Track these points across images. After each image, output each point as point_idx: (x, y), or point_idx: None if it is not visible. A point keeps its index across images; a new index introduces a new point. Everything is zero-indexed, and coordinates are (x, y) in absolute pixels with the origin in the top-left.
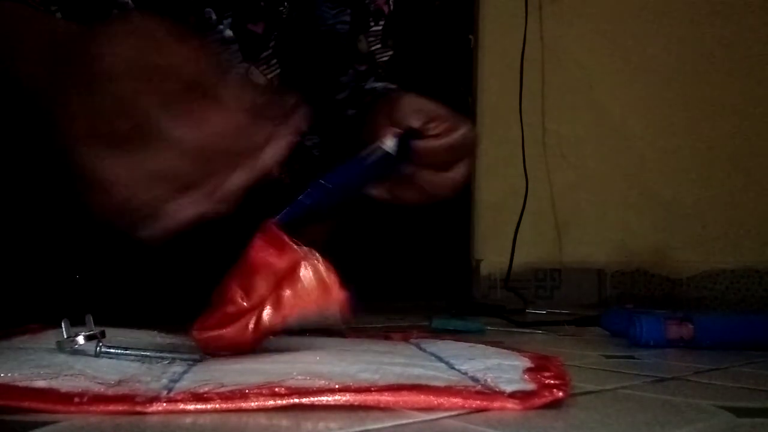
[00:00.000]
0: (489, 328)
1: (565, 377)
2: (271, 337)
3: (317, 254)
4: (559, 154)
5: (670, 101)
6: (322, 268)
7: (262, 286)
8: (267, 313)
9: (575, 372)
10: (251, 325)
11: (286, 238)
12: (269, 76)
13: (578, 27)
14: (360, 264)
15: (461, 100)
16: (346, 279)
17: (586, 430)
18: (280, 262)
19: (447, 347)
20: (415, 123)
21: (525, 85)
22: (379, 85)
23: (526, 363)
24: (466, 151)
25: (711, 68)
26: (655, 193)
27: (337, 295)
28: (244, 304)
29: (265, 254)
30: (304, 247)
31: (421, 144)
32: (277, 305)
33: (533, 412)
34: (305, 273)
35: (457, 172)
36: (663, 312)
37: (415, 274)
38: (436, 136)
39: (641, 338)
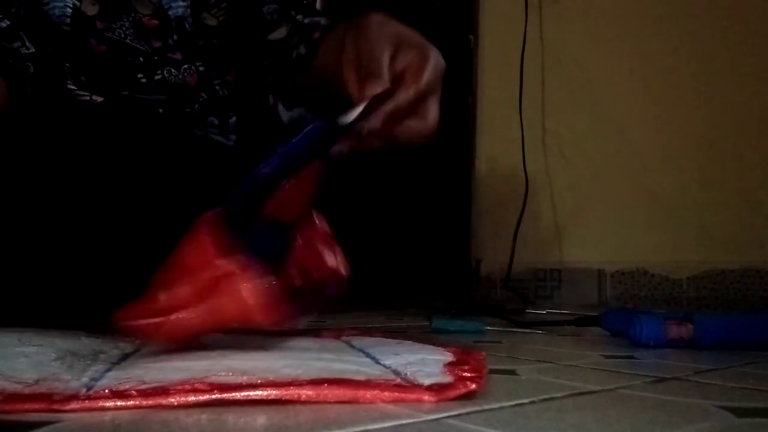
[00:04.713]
0: (489, 328)
1: (482, 371)
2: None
3: (249, 273)
4: (559, 154)
5: (670, 101)
6: (245, 292)
7: (182, 290)
8: (180, 318)
9: (575, 372)
10: (163, 327)
11: (212, 248)
12: (221, 19)
13: (578, 27)
14: (360, 264)
15: (461, 100)
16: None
17: (587, 430)
18: (204, 272)
19: (376, 343)
20: (386, 55)
21: (525, 85)
22: (320, 19)
23: (449, 357)
24: (435, 85)
25: (711, 68)
26: (655, 193)
27: (261, 319)
28: (163, 303)
29: (192, 259)
30: (234, 262)
31: (388, 107)
32: (191, 313)
33: (534, 412)
34: (226, 290)
35: (425, 116)
36: (663, 312)
37: (415, 274)
38: (404, 86)
39: (641, 338)
